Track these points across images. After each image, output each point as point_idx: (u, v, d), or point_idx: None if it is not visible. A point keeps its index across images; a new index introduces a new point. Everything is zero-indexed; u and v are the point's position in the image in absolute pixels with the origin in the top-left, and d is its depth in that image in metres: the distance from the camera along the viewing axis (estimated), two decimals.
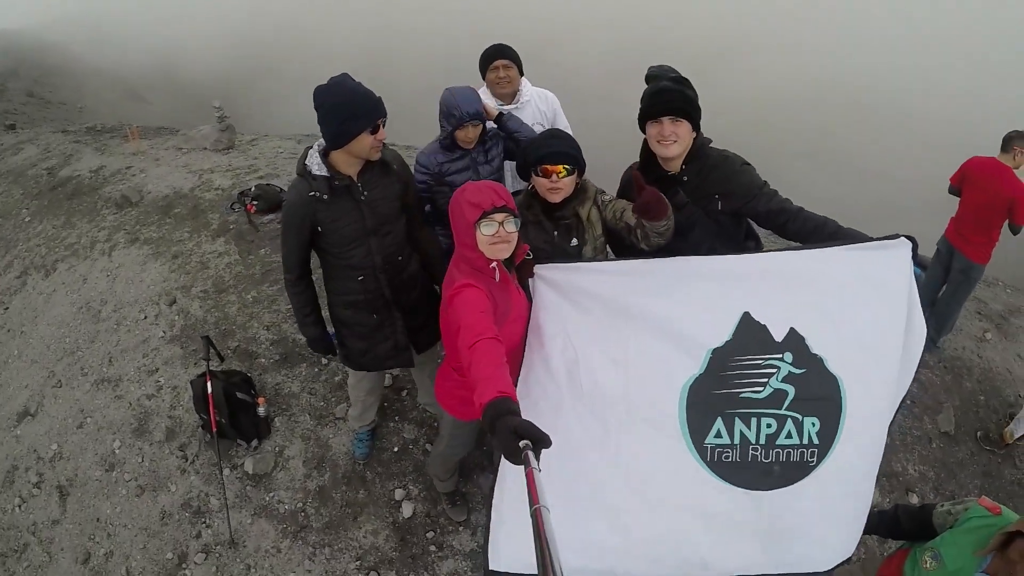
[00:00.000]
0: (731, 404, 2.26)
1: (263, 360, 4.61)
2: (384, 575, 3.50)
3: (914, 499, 4.08)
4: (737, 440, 2.25)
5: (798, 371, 2.25)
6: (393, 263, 2.99)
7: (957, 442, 4.47)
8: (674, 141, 2.65)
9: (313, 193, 2.68)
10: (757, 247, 3.05)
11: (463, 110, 3.11)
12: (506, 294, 2.36)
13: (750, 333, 2.27)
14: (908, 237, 2.37)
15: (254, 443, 4.08)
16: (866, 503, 2.41)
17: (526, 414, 2.07)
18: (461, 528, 3.64)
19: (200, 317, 5.07)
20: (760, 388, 2.26)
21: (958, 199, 4.99)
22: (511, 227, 2.22)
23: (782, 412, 2.25)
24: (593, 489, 2.27)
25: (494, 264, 2.25)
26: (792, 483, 2.25)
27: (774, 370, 2.25)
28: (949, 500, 2.51)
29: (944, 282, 5.13)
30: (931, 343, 5.03)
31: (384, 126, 2.65)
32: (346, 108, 2.55)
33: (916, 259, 2.39)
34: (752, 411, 2.26)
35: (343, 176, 2.71)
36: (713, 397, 2.26)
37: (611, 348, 2.36)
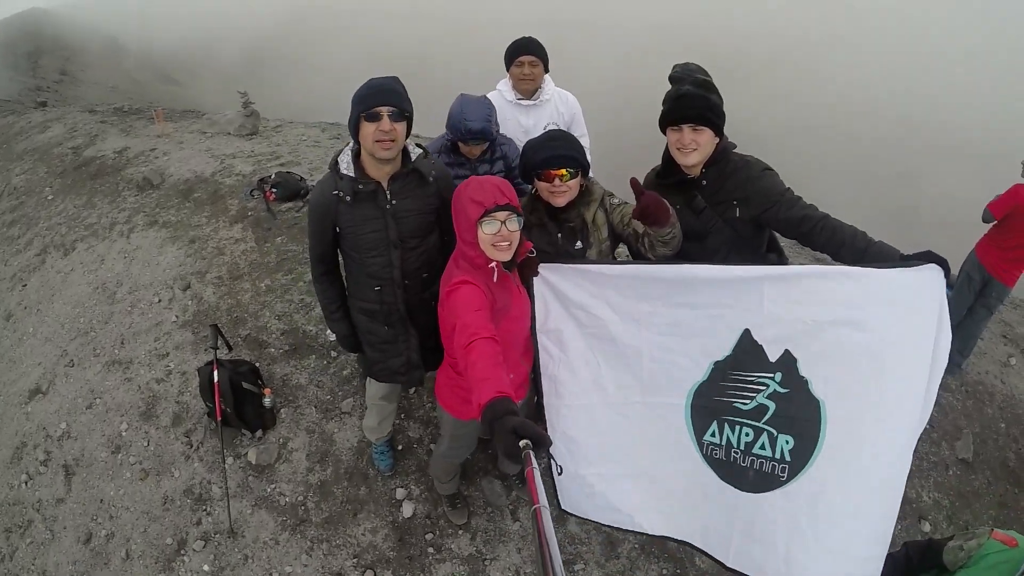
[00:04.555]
0: (724, 411, 2.49)
1: (272, 350, 4.61)
2: (380, 574, 3.48)
3: (926, 527, 3.97)
4: (724, 442, 2.50)
5: (783, 390, 2.38)
6: (416, 279, 2.81)
7: (975, 470, 4.34)
8: (694, 149, 2.58)
9: (336, 192, 2.55)
10: (780, 261, 2.96)
11: (467, 127, 2.97)
12: (506, 292, 2.33)
13: (747, 351, 2.40)
14: (939, 261, 2.23)
15: (258, 433, 4.07)
16: (863, 542, 2.34)
17: (565, 417, 2.60)
18: (460, 531, 3.60)
19: (213, 303, 5.08)
20: (747, 401, 2.44)
21: (986, 224, 4.84)
22: (513, 226, 2.19)
23: (760, 425, 2.43)
24: (622, 466, 2.65)
25: (493, 264, 2.21)
26: (762, 491, 2.42)
27: (763, 387, 2.41)
28: (961, 531, 2.41)
29: (970, 305, 4.98)
30: (955, 367, 4.90)
31: (393, 118, 2.39)
32: (353, 99, 2.44)
33: (947, 280, 2.28)
34: (736, 419, 2.47)
35: (369, 180, 2.56)
36: (712, 402, 2.50)
37: (626, 357, 2.55)
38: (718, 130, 2.60)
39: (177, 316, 5.05)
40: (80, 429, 4.48)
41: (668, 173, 2.79)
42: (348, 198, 2.55)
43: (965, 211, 5.16)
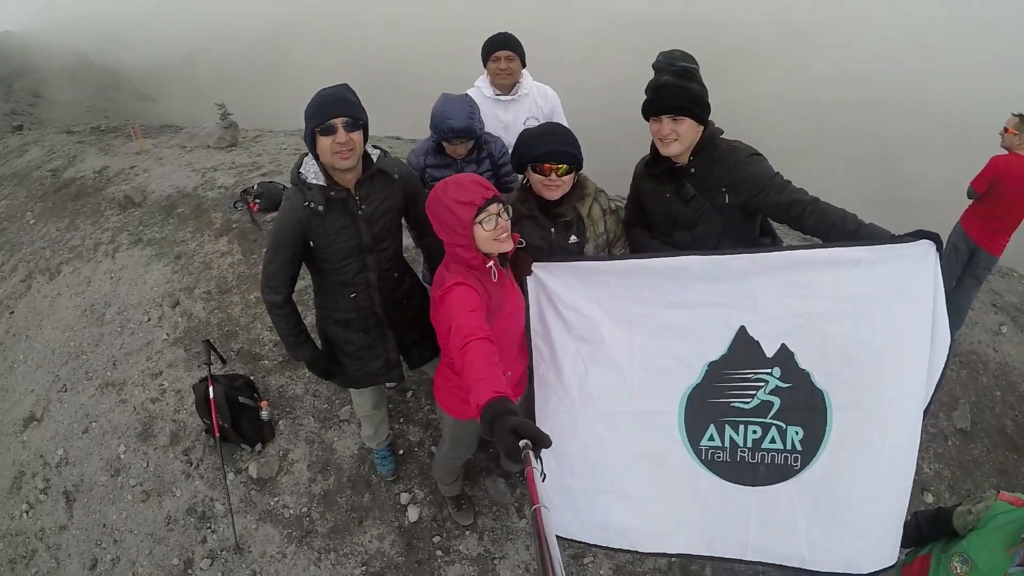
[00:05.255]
0: (722, 413, 2.45)
1: (266, 362, 4.58)
2: None
3: (929, 498, 4.00)
4: (727, 443, 2.46)
5: (784, 385, 2.38)
6: (388, 280, 2.83)
7: (973, 439, 4.38)
8: (673, 140, 2.55)
9: (307, 203, 2.50)
10: (774, 244, 2.95)
11: (449, 126, 2.99)
12: (501, 289, 2.33)
13: (744, 348, 2.39)
14: (931, 236, 2.22)
15: (258, 447, 4.05)
16: (880, 521, 2.39)
17: (546, 423, 2.51)
18: (467, 532, 3.60)
19: (203, 319, 5.04)
20: (748, 399, 2.43)
21: (971, 197, 4.89)
22: (505, 216, 2.20)
23: (767, 421, 2.43)
24: (608, 482, 2.55)
25: (491, 264, 2.20)
26: (777, 482, 2.44)
27: (762, 383, 2.40)
28: (966, 499, 2.44)
29: (959, 276, 5.03)
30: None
31: (347, 128, 2.36)
32: (305, 113, 2.40)
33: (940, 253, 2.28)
34: (740, 419, 2.45)
35: (339, 187, 2.53)
36: (708, 405, 2.46)
37: (616, 360, 2.48)
38: (699, 119, 2.59)
39: (168, 334, 5.01)
40: (78, 454, 4.43)
41: (656, 162, 2.78)
42: (320, 208, 2.51)
43: (950, 194, 5.22)
